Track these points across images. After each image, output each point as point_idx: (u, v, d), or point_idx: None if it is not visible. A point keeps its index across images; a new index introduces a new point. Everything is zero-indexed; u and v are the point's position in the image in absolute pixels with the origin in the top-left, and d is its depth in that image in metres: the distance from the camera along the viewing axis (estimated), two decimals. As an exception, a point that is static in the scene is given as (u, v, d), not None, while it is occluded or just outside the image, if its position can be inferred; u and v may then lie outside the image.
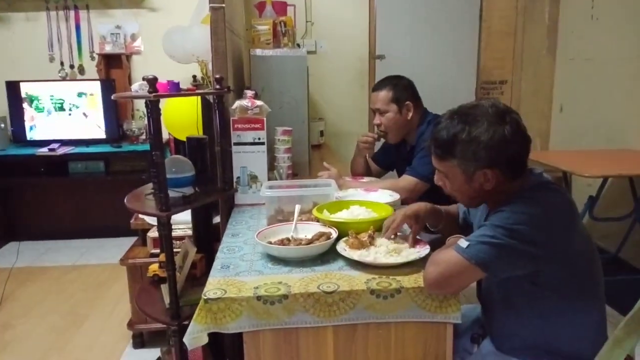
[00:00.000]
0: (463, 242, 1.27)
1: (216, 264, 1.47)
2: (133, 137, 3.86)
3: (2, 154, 3.71)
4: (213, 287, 1.32)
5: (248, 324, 1.27)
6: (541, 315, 1.32)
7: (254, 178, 2.08)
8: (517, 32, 4.45)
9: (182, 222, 2.43)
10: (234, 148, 2.05)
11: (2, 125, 3.80)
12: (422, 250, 1.46)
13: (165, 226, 1.75)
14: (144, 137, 3.87)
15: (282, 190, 1.81)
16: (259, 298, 1.27)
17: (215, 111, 1.99)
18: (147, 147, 3.76)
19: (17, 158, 3.74)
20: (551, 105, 4.16)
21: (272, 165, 2.29)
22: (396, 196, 1.94)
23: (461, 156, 1.31)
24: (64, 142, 3.81)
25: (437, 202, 1.75)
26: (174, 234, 2.45)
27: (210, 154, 2.01)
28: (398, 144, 2.35)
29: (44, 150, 3.70)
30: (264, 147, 2.06)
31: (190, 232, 2.38)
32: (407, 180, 2.11)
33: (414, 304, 1.29)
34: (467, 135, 1.29)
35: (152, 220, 2.53)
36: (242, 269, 1.43)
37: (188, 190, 1.98)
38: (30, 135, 3.87)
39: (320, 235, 1.53)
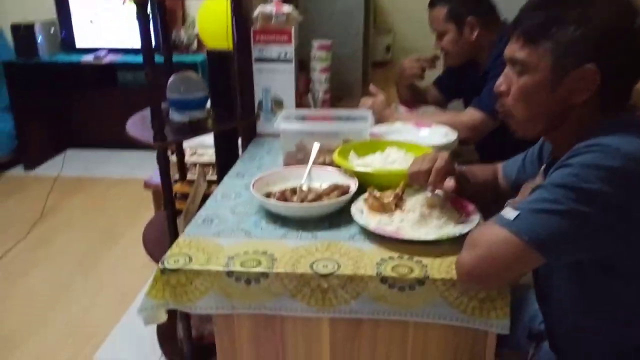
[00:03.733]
0: (510, 212, 0.86)
1: (198, 216, 1.17)
2: (182, 47, 3.57)
3: (52, 61, 3.57)
4: (178, 250, 1.02)
5: (218, 305, 0.97)
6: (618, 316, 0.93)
7: (279, 103, 1.71)
8: None
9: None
10: (255, 65, 1.68)
11: (52, 31, 3.62)
12: (470, 220, 1.06)
13: (161, 158, 1.45)
14: (194, 47, 3.59)
15: (301, 124, 1.43)
16: (230, 274, 0.95)
17: (232, 18, 1.60)
18: (198, 57, 3.48)
19: (66, 66, 3.59)
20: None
21: (308, 88, 1.90)
22: (452, 136, 1.51)
23: (563, 39, 0.88)
24: (112, 50, 3.59)
25: (499, 153, 1.32)
26: (202, 159, 2.19)
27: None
28: (465, 66, 1.85)
29: (89, 59, 3.50)
30: (291, 66, 1.66)
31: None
32: (471, 114, 1.64)
33: (442, 300, 0.92)
34: (580, 11, 0.87)
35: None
36: (226, 226, 1.11)
37: (199, 114, 1.66)
38: (80, 42, 3.68)
39: (333, 189, 1.17)
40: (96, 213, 3.07)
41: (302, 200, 1.14)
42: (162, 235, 1.70)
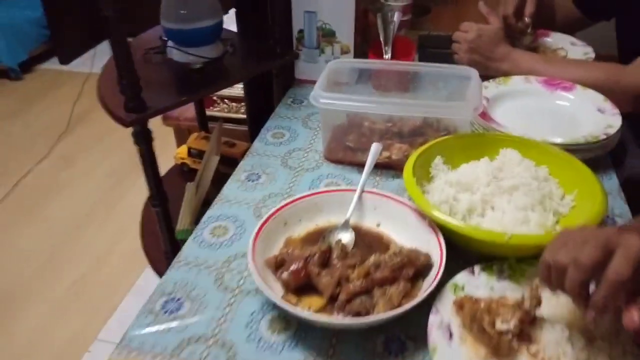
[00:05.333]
0: None
1: (168, 278, 0.68)
2: None
3: None
4: None
5: None
6: None
7: (329, 35, 1.11)
8: None
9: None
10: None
11: None
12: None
13: (140, 139, 0.95)
14: None
15: (351, 97, 0.85)
16: None
17: None
18: None
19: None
20: None
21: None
22: (611, 111, 0.89)
23: None
24: None
25: None
26: (235, 92, 1.65)
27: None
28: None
29: None
30: (348, -22, 1.03)
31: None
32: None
33: None
34: None
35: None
36: (190, 331, 0.62)
37: (210, 52, 1.10)
38: None
39: (400, 266, 0.62)
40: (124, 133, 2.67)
41: (338, 283, 0.62)
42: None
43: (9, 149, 2.50)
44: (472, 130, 0.88)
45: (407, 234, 0.70)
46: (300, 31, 1.12)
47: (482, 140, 0.81)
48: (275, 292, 0.62)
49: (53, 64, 3.29)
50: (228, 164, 1.37)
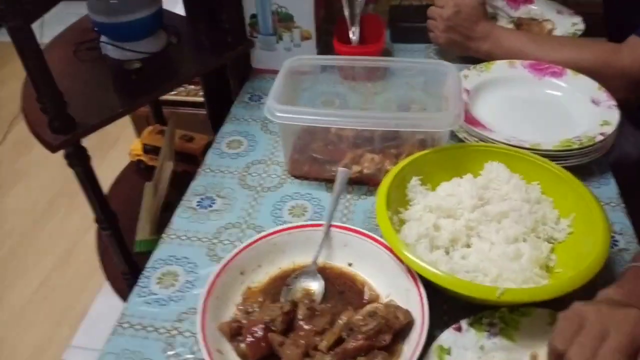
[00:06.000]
0: None
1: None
2: None
3: None
4: None
5: None
6: None
7: (286, 19, 0.97)
8: None
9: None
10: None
11: None
12: None
13: (72, 158, 0.83)
14: None
15: (310, 112, 0.73)
16: None
17: None
18: None
19: None
20: None
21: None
22: (606, 102, 0.79)
23: None
24: None
25: None
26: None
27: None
28: None
29: None
30: (304, -46, 0.89)
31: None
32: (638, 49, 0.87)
33: None
34: None
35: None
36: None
37: (151, 45, 0.97)
38: None
39: (375, 332, 0.53)
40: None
41: (305, 353, 0.53)
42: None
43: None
44: (452, 132, 0.78)
45: (383, 278, 0.61)
46: (253, 16, 0.98)
47: (463, 153, 0.71)
48: (232, 366, 0.53)
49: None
50: (187, 161, 1.25)
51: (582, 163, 0.73)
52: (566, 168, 0.67)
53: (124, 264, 0.98)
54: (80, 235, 1.81)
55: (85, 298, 1.61)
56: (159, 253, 0.70)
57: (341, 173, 0.68)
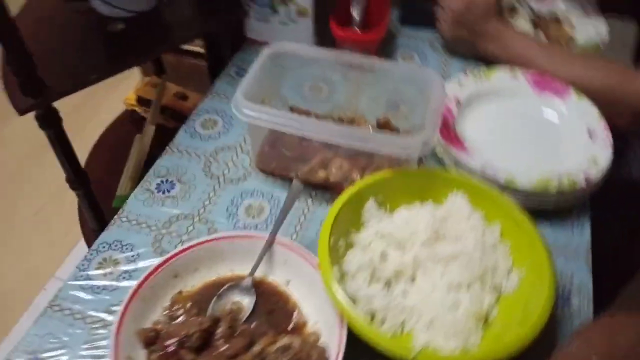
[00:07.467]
0: None
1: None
2: None
3: None
4: None
5: None
6: None
7: (283, -7, 0.91)
8: None
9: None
10: None
11: None
12: None
13: (42, 120, 0.82)
14: None
15: (281, 115, 0.69)
16: None
17: None
18: None
19: None
20: None
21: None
22: (602, 137, 0.73)
23: None
24: None
25: None
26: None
27: None
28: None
29: None
30: None
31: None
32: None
33: None
34: None
35: None
36: None
37: (139, 3, 0.92)
38: None
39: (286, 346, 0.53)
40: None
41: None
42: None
43: None
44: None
45: (315, 304, 0.59)
46: (250, -16, 0.92)
47: (429, 178, 0.66)
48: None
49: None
50: (179, 119, 1.23)
51: (560, 206, 0.68)
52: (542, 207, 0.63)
53: (95, 222, 0.99)
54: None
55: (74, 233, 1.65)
56: (106, 235, 0.69)
57: (294, 187, 0.65)
